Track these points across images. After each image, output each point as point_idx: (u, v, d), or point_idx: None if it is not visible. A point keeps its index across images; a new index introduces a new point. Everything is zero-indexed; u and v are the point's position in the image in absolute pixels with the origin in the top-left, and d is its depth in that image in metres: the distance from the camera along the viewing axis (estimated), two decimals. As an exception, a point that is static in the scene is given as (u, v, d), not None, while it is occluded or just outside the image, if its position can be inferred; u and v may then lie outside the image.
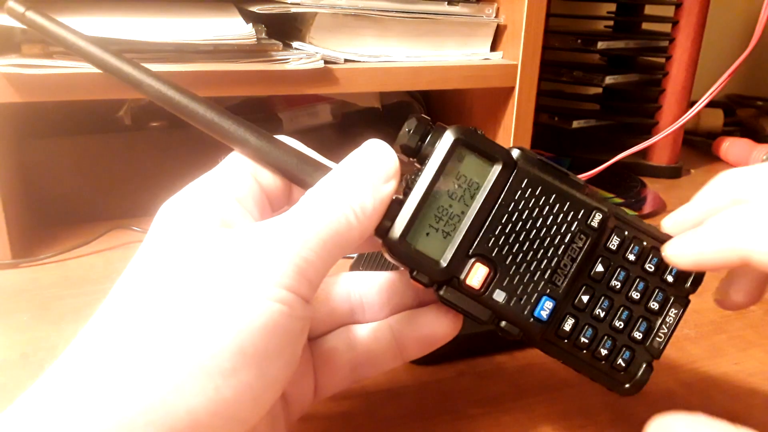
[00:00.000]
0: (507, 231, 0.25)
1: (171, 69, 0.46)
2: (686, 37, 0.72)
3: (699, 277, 0.27)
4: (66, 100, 0.46)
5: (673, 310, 0.27)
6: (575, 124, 0.75)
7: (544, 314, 0.26)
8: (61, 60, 0.44)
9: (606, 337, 0.27)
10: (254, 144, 0.25)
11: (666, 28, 0.75)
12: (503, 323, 0.26)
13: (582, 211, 0.26)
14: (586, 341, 0.26)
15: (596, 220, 0.26)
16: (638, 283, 0.27)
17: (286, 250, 0.21)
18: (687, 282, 0.27)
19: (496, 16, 0.60)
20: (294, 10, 0.51)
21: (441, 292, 0.25)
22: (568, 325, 0.26)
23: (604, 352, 0.26)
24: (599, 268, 0.26)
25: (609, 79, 0.73)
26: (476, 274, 0.25)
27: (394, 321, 0.28)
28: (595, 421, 0.33)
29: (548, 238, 0.26)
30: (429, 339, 0.28)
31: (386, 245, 0.25)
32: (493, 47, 0.61)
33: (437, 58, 0.58)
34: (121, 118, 0.58)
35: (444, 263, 0.25)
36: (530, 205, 0.26)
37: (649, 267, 0.27)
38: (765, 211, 0.23)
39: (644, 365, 0.27)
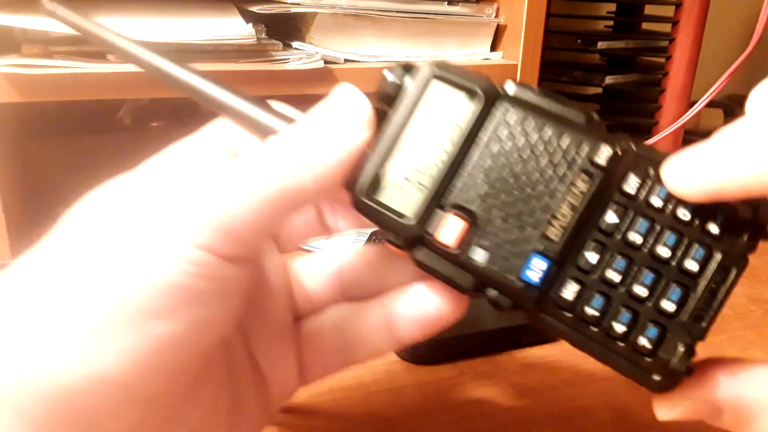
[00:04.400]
0: (490, 176, 0.20)
1: (171, 69, 0.46)
2: (686, 37, 0.72)
3: (761, 226, 0.19)
4: (66, 100, 0.46)
5: (721, 272, 0.19)
6: (575, 124, 0.75)
7: (534, 276, 0.20)
8: (61, 60, 0.44)
9: (623, 308, 0.20)
10: (230, 102, 0.22)
11: (666, 28, 0.75)
12: (492, 292, 0.21)
13: (585, 146, 0.20)
14: (595, 313, 0.20)
15: (603, 156, 0.20)
16: (668, 235, 0.20)
17: (211, 204, 0.19)
18: (742, 234, 0.19)
19: (496, 16, 0.60)
20: (294, 10, 0.51)
21: (416, 255, 0.21)
22: (570, 291, 0.20)
23: (620, 328, 0.20)
24: (611, 218, 0.20)
25: (609, 79, 0.73)
26: (450, 229, 0.20)
27: (386, 299, 0.25)
28: (595, 421, 0.33)
29: (540, 183, 0.20)
30: (422, 318, 0.24)
31: (352, 201, 0.21)
32: (493, 47, 0.61)
33: (437, 58, 0.58)
34: (121, 118, 0.58)
35: (413, 217, 0.21)
36: (519, 144, 0.20)
37: (684, 215, 0.20)
38: None
39: (680, 349, 0.20)
